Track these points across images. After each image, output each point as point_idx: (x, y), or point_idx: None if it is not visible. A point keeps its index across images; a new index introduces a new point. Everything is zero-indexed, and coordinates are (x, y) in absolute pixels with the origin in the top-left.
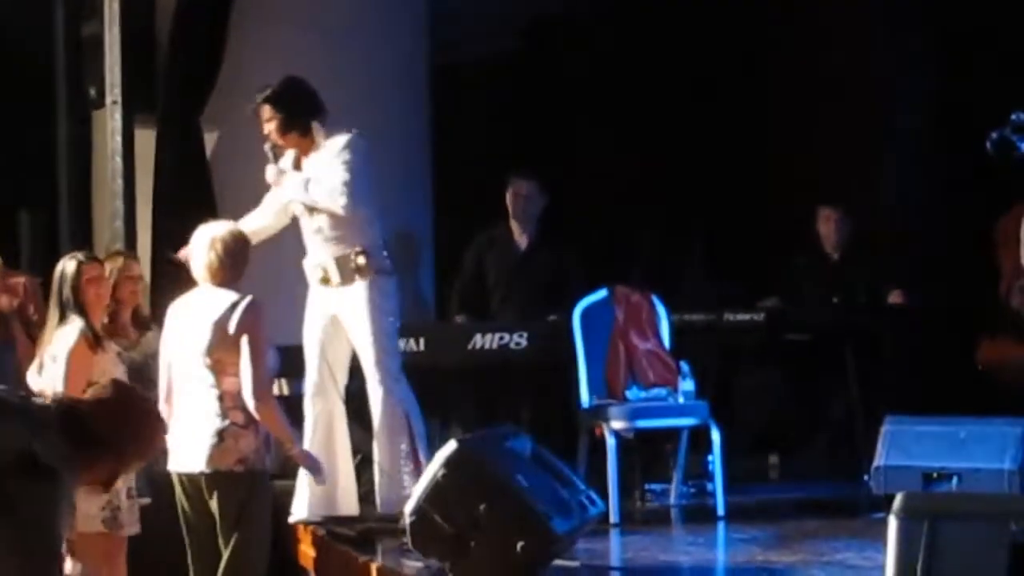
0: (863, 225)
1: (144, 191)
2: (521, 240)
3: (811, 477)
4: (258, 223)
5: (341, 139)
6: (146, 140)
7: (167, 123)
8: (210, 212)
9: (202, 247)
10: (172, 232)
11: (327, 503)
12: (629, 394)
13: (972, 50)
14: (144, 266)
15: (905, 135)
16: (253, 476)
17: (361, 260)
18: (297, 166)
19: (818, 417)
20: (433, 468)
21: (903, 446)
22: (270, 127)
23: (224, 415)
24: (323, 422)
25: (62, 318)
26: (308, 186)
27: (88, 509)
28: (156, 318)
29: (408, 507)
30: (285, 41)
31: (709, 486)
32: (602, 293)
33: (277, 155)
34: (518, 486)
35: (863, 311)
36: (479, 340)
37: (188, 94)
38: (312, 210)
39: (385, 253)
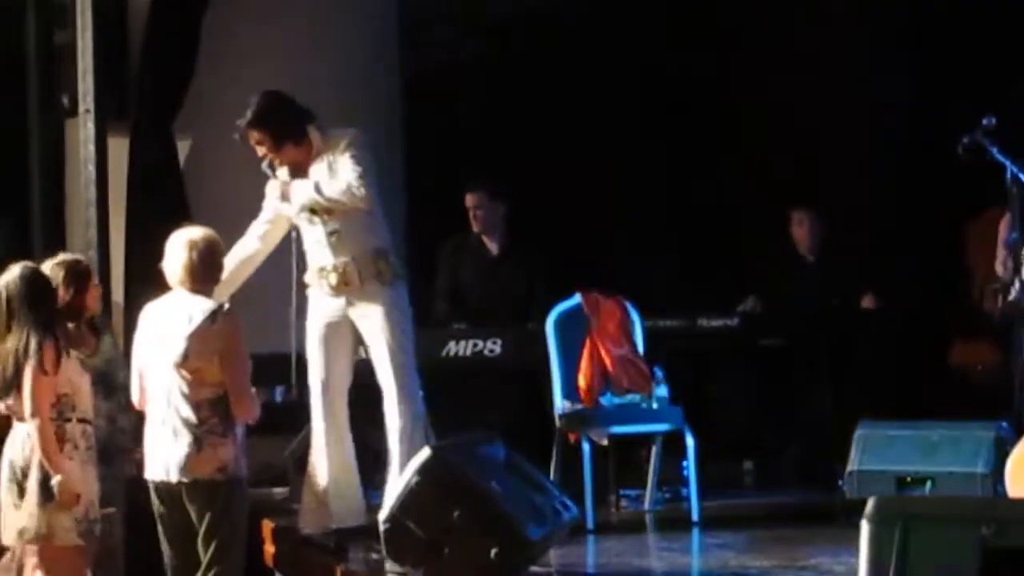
0: (836, 227)
1: (117, 199)
2: (492, 247)
3: (785, 482)
4: (249, 248)
5: (344, 137)
6: (119, 148)
7: (140, 131)
8: (183, 220)
9: (177, 251)
10: (145, 240)
11: (337, 515)
12: (603, 400)
13: (946, 54)
14: (117, 274)
15: (878, 138)
16: (232, 484)
17: (383, 262)
18: (295, 175)
19: (792, 422)
20: (407, 475)
21: (877, 450)
22: (262, 148)
23: (201, 423)
24: (334, 433)
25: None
26: (320, 188)
27: (64, 522)
28: (129, 324)
29: (382, 514)
30: (257, 50)
31: (683, 491)
32: (575, 299)
33: (275, 168)
34: (492, 492)
35: (837, 315)
36: (453, 346)
37: (161, 102)
38: (325, 214)
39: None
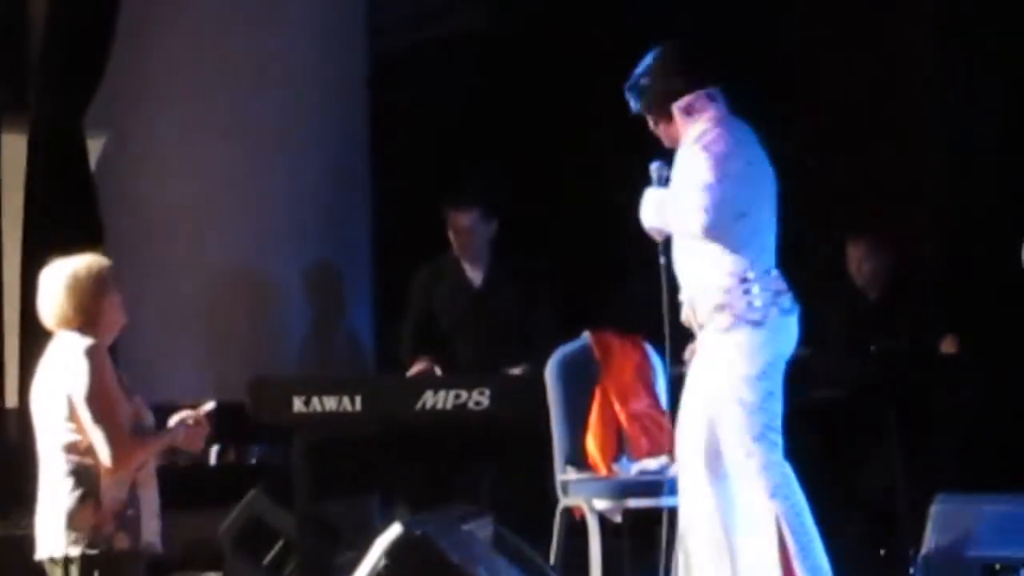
0: (905, 258)
1: (11, 211)
2: (475, 275)
3: (843, 569)
4: None
5: (699, 127)
6: (14, 148)
7: (41, 127)
8: (94, 237)
9: (48, 288)
10: (47, 263)
11: None
12: (617, 466)
13: None
14: (11, 304)
15: (958, 149)
16: (93, 561)
17: (720, 298)
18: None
19: (852, 494)
20: (372, 559)
21: (958, 531)
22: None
23: (57, 487)
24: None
25: None
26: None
27: None
28: (26, 369)
29: None
30: (192, 25)
31: None
32: (583, 340)
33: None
34: None
35: (908, 362)
36: (430, 398)
37: (68, 91)
38: None
39: (757, 291)
